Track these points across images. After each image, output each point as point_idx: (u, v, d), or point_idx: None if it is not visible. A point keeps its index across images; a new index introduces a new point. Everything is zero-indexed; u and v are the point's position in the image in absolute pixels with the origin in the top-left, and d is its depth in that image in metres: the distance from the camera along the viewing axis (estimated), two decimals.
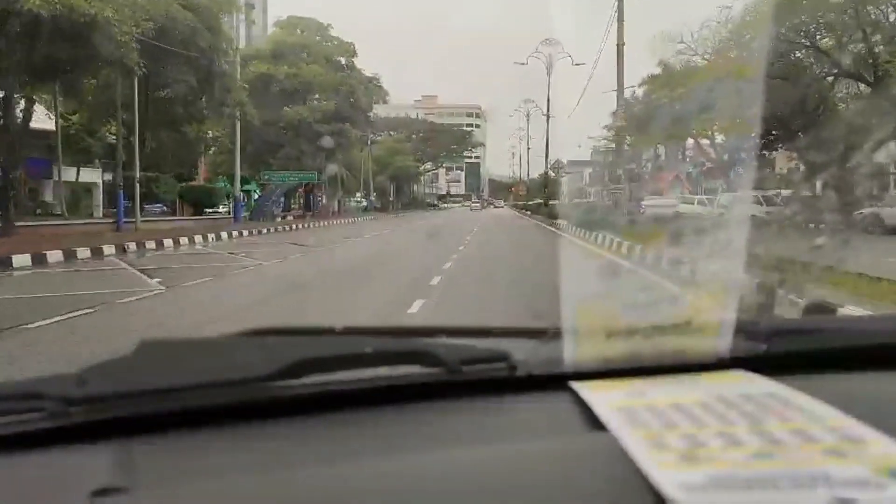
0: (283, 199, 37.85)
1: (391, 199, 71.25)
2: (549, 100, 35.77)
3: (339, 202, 45.02)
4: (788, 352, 0.80)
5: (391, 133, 72.98)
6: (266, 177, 33.58)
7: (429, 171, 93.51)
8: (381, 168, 62.61)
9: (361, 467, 0.59)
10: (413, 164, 70.29)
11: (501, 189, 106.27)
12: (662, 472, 0.50)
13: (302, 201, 40.35)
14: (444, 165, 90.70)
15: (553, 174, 29.78)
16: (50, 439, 0.65)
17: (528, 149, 61.67)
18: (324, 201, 43.74)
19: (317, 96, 36.82)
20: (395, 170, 64.70)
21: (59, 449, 0.65)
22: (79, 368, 0.69)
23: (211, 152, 36.29)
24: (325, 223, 32.25)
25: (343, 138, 37.79)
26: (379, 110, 51.89)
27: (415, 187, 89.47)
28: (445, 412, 0.72)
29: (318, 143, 36.63)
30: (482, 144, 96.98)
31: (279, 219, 32.04)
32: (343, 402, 0.71)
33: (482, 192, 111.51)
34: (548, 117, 35.67)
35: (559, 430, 0.66)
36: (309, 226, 29.29)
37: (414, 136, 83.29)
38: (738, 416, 0.60)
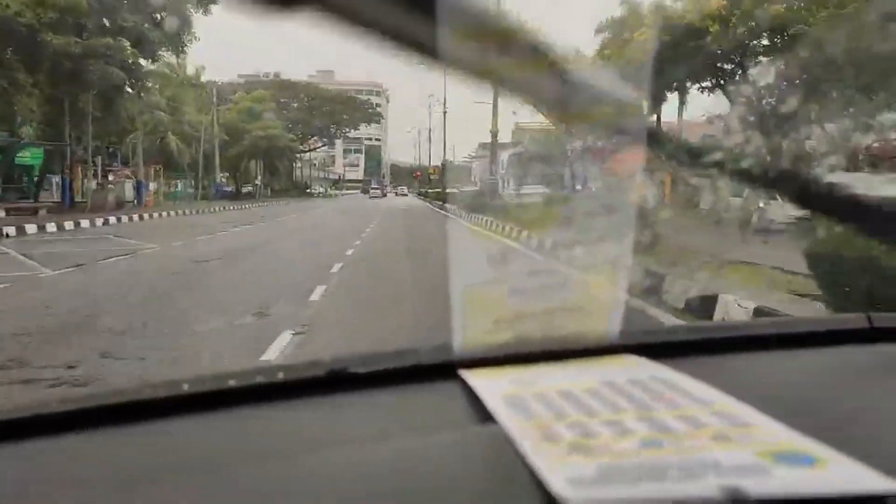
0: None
1: (258, 182, 53.07)
2: None
3: (138, 185, 26.98)
4: (677, 335, 0.82)
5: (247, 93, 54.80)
6: None
7: (317, 150, 76.04)
8: (234, 138, 44.52)
9: (236, 472, 0.56)
10: (284, 134, 52.36)
11: (404, 175, 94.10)
12: (551, 466, 0.49)
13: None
14: (329, 143, 73.19)
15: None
16: None
17: (445, 113, 45.67)
18: (104, 183, 25.86)
19: None
20: (258, 142, 46.64)
21: None
22: None
23: None
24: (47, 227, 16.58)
25: (113, 67, 19.94)
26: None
27: (298, 169, 72.11)
28: (328, 408, 0.69)
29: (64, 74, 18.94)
30: (381, 117, 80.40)
31: None
32: (229, 401, 0.68)
33: (383, 177, 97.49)
34: None
35: (447, 422, 0.64)
36: None
37: (295, 103, 65.96)
38: (627, 402, 0.60)
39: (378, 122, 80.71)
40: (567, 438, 0.53)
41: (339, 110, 67.27)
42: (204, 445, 0.63)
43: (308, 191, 70.62)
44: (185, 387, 0.70)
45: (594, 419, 0.56)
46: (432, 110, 50.50)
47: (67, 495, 0.55)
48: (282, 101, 65.48)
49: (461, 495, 0.50)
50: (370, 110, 73.14)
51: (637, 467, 0.48)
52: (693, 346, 0.81)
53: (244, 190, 49.89)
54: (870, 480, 0.46)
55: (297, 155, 68.88)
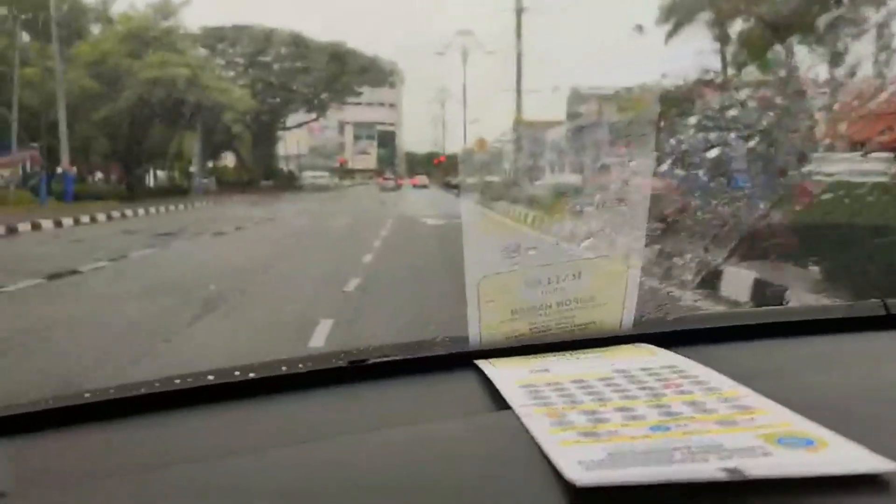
0: None
1: (191, 170, 31.41)
2: None
3: None
4: (688, 323, 0.84)
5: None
6: None
7: (304, 125, 54.69)
8: (106, 88, 22.54)
9: (267, 456, 0.58)
10: (227, 85, 30.48)
11: (421, 163, 75.64)
12: (563, 450, 0.51)
13: None
14: (320, 115, 51.57)
15: None
16: None
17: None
18: None
19: None
20: (153, 91, 24.45)
21: None
22: None
23: None
24: None
25: None
26: None
27: (279, 151, 51.36)
28: (349, 397, 0.71)
29: None
30: (396, 81, 58.80)
31: None
32: (241, 390, 0.70)
33: (396, 166, 79.88)
34: None
35: (465, 410, 0.66)
36: None
37: (269, 57, 44.59)
38: (638, 389, 0.62)
39: (392, 85, 59.57)
40: (579, 424, 0.55)
41: (334, 69, 45.26)
42: (229, 434, 0.64)
43: (296, 183, 49.93)
44: (211, 378, 0.70)
45: (606, 406, 0.58)
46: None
47: (88, 485, 0.55)
48: (248, 54, 43.49)
49: (476, 478, 0.52)
50: (380, 70, 51.12)
51: (644, 451, 0.50)
52: (706, 334, 0.81)
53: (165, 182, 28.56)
54: (866, 460, 0.47)
55: (279, 133, 47.90)
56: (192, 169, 31.92)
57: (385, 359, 0.73)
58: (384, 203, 25.83)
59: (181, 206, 23.04)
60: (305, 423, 0.66)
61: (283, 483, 0.53)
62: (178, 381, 0.70)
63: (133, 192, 25.85)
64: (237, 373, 0.71)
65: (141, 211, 19.71)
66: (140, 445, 0.63)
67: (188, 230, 13.65)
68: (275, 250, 10.03)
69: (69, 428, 0.65)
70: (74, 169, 21.83)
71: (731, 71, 21.18)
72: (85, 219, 16.21)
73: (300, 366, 0.73)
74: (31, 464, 0.60)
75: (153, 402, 0.68)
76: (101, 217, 17.02)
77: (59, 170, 21.46)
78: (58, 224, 14.90)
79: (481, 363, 0.72)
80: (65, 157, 21.25)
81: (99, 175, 30.39)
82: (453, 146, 59.77)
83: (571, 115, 42.52)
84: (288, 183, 48.33)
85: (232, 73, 43.39)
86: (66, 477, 0.58)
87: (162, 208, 21.33)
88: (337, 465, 0.55)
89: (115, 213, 18.01)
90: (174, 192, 30.03)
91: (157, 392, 0.68)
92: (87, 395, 0.68)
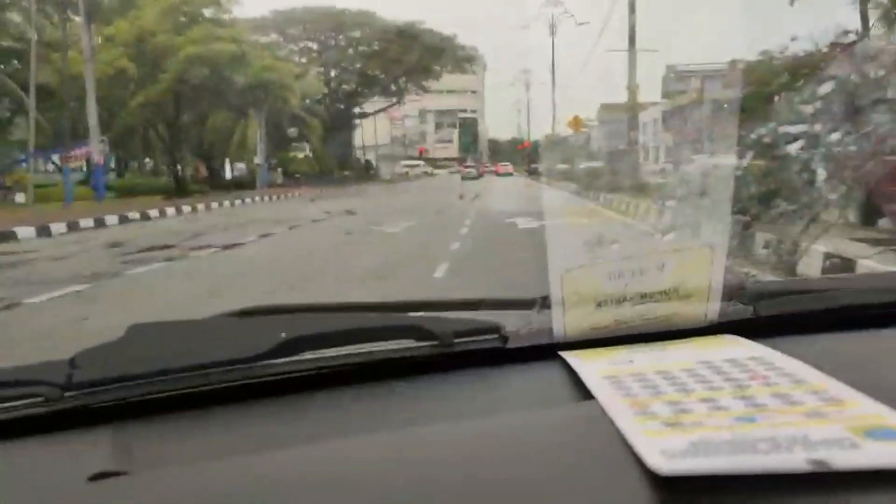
0: None
1: (258, 162, 28.80)
2: None
3: None
4: (775, 314, 0.82)
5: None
6: None
7: (381, 112, 51.64)
8: (146, 69, 19.58)
9: (356, 444, 0.60)
10: (283, 63, 27.25)
11: (505, 150, 77.63)
12: (646, 440, 0.51)
13: None
14: (398, 101, 48.08)
15: None
16: (45, 426, 0.67)
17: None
18: None
19: None
20: (191, 70, 21.22)
21: (54, 435, 0.66)
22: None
23: None
24: None
25: None
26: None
27: (355, 139, 48.78)
28: (438, 386, 0.73)
29: None
30: (476, 63, 54.64)
31: None
32: (336, 379, 0.73)
33: (479, 154, 76.40)
34: None
35: (549, 400, 0.68)
36: None
37: (343, 41, 41.73)
38: (722, 380, 0.62)
39: (472, 71, 55.68)
40: (662, 415, 0.55)
41: (412, 52, 41.67)
42: (324, 422, 0.67)
43: (370, 172, 47.01)
44: (309, 367, 0.73)
45: (690, 397, 0.58)
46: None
47: (204, 467, 0.58)
48: (321, 38, 40.58)
49: (561, 468, 0.52)
50: (460, 53, 47.22)
51: (728, 441, 0.50)
52: (793, 324, 0.80)
53: (232, 176, 25.98)
54: None
55: (355, 121, 45.04)
56: (257, 160, 28.92)
57: (472, 348, 0.75)
58: (462, 197, 21.83)
59: (226, 203, 19.96)
60: (396, 412, 0.68)
61: (372, 471, 0.54)
62: (279, 369, 0.72)
63: (181, 187, 22.99)
64: (333, 362, 0.73)
65: (170, 210, 16.61)
66: (252, 430, 0.65)
67: (195, 241, 10.08)
68: (281, 284, 6.24)
69: (183, 412, 0.67)
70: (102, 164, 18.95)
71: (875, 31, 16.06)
72: (87, 222, 13.13)
73: (394, 352, 0.75)
74: (148, 445, 0.64)
75: (261, 389, 0.70)
76: (112, 219, 13.91)
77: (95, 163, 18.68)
78: (43, 232, 11.74)
79: (565, 354, 0.73)
80: (95, 148, 18.45)
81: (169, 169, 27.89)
82: (539, 131, 55.27)
83: (668, 94, 37.62)
84: (364, 174, 45.28)
85: (304, 60, 40.56)
86: (181, 459, 0.60)
87: (201, 206, 18.23)
88: (425, 454, 0.57)
89: (133, 215, 14.88)
90: (229, 185, 27.02)
91: (264, 381, 0.70)
92: (198, 383, 0.70)
